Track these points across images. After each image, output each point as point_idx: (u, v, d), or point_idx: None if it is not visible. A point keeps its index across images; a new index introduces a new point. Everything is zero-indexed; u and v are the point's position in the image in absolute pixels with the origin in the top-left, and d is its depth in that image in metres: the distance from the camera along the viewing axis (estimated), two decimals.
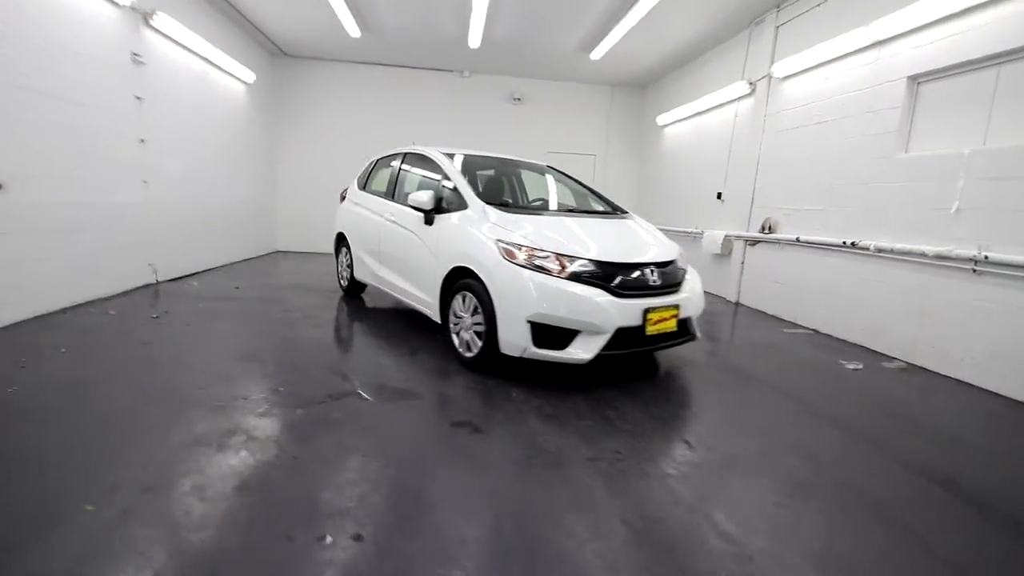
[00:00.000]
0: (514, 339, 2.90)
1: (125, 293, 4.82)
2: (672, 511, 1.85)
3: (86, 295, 4.35)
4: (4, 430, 2.14)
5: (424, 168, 4.27)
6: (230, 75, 6.91)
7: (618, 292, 2.91)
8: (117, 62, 4.58)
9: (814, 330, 5.08)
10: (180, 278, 5.81)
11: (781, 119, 5.77)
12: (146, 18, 4.91)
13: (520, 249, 2.96)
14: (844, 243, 4.70)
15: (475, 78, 9.19)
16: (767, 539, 1.73)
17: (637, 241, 3.37)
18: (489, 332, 3.02)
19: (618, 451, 2.29)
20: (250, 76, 7.32)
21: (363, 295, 5.49)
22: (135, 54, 4.79)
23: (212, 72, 6.43)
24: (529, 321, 2.84)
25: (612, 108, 9.68)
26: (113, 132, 4.57)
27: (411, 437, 2.32)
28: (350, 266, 5.21)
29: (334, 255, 5.76)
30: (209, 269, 6.57)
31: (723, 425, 2.71)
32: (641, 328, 2.94)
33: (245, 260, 7.75)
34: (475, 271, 3.11)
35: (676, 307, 3.13)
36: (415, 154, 4.41)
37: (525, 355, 2.90)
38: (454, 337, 3.41)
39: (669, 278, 3.23)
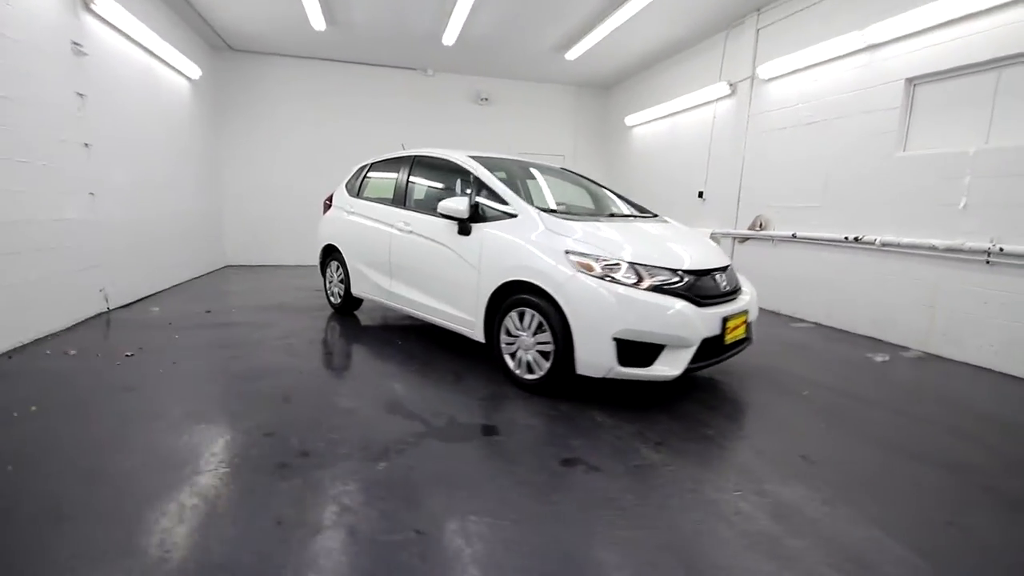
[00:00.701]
0: (596, 358, 2.65)
1: (76, 326, 4.03)
2: (859, 536, 1.69)
3: (33, 333, 3.58)
4: (10, 536, 1.59)
5: (443, 172, 3.90)
6: (174, 70, 6.09)
7: (697, 301, 2.74)
8: (57, 52, 3.81)
9: (815, 323, 5.24)
10: (133, 303, 5.00)
11: (767, 119, 5.91)
12: (86, 1, 4.14)
13: (596, 260, 2.71)
14: (846, 238, 4.87)
15: (440, 77, 8.79)
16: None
17: (695, 245, 3.22)
18: (562, 352, 2.75)
19: (750, 474, 2.11)
20: (195, 71, 6.49)
21: (356, 312, 4.99)
22: (76, 43, 4.02)
23: (156, 66, 5.61)
24: (615, 339, 2.60)
25: (579, 109, 9.63)
26: (55, 134, 3.80)
27: (528, 485, 2.00)
28: (343, 281, 4.71)
29: (319, 270, 5.21)
30: (162, 291, 5.73)
31: (817, 433, 2.61)
32: (720, 337, 2.80)
33: (197, 277, 6.88)
34: (539, 285, 2.82)
35: (746, 312, 3.02)
36: (429, 158, 4.02)
37: (609, 375, 2.66)
38: (507, 358, 3.10)
39: (732, 283, 3.11)
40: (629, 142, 9.02)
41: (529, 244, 2.95)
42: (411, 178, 4.09)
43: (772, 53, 5.77)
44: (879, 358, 4.02)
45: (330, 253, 4.93)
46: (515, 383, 3.07)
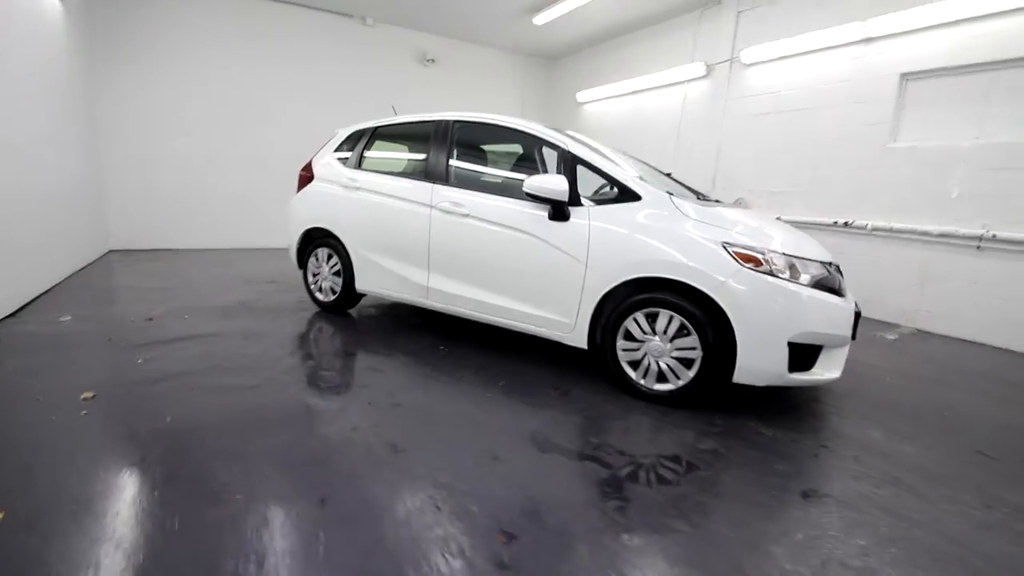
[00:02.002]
0: (764, 365, 2.36)
1: None
2: None
3: None
4: None
5: (510, 145, 3.28)
6: None
7: (840, 295, 2.58)
8: None
9: None
10: (22, 310, 3.55)
11: (748, 104, 6.03)
12: None
13: (762, 253, 2.38)
14: (836, 222, 5.16)
15: (381, 29, 7.65)
16: None
17: (800, 234, 3.06)
18: (717, 359, 2.41)
19: (973, 482, 2.01)
20: None
21: (350, 310, 4.11)
22: None
23: None
24: (790, 343, 2.32)
25: (526, 80, 9.12)
26: None
27: (797, 533, 1.65)
28: (341, 273, 3.82)
29: (295, 259, 4.17)
30: (52, 289, 4.19)
31: (955, 423, 2.62)
32: (854, 333, 2.67)
33: (83, 268, 5.21)
34: (689, 283, 2.42)
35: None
36: (485, 125, 3.28)
37: (776, 383, 2.39)
38: (627, 367, 2.68)
39: None
40: (580, 119, 8.77)
41: (669, 234, 2.52)
42: (456, 149, 3.35)
43: (754, 38, 5.85)
44: (890, 336, 4.33)
45: (314, 239, 3.97)
46: (636, 395, 2.66)
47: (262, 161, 7.09)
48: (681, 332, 2.49)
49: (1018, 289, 4.06)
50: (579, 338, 2.80)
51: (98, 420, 2.12)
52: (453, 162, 3.32)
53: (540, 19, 6.91)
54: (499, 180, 3.14)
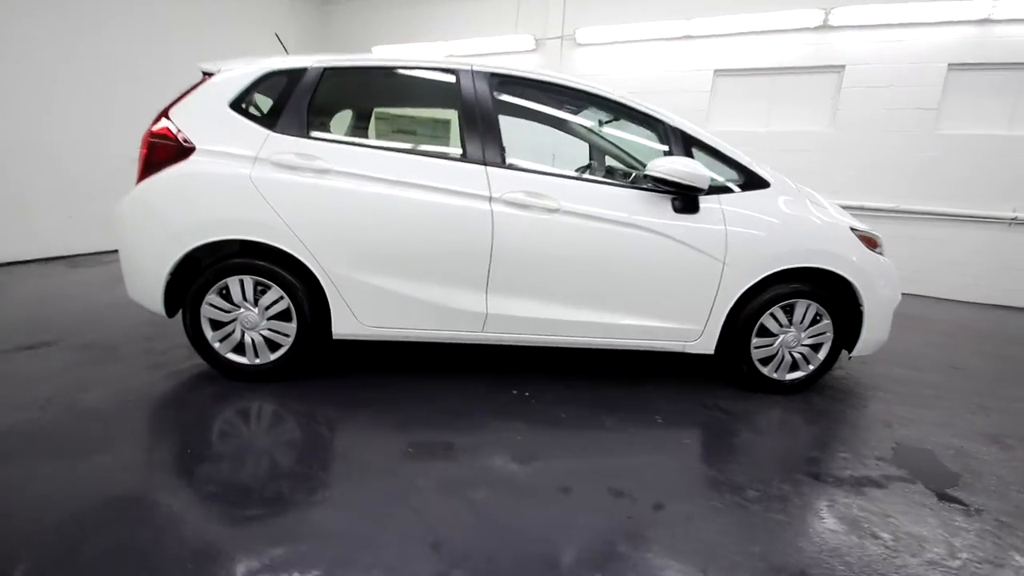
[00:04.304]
0: (877, 336, 2.58)
1: None
2: None
3: None
4: None
5: (582, 114, 2.53)
6: None
7: None
8: None
9: None
10: None
11: None
12: None
13: (875, 236, 2.57)
14: None
15: None
16: None
17: None
18: (845, 340, 2.54)
19: None
20: None
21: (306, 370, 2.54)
22: None
23: None
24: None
25: (290, 19, 7.16)
26: None
27: None
28: (293, 315, 2.29)
29: (161, 303, 2.26)
30: None
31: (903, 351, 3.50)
32: None
33: None
34: (832, 270, 2.42)
35: None
36: (533, 83, 2.40)
37: (875, 350, 2.65)
38: (759, 365, 2.53)
39: None
40: None
41: (811, 222, 2.47)
42: (506, 117, 2.36)
43: (586, 19, 6.10)
44: None
45: (197, 268, 2.25)
46: (769, 389, 2.58)
47: None
48: (815, 319, 2.51)
49: None
50: (707, 344, 2.49)
51: None
52: (511, 136, 2.35)
53: None
54: (584, 163, 2.42)
